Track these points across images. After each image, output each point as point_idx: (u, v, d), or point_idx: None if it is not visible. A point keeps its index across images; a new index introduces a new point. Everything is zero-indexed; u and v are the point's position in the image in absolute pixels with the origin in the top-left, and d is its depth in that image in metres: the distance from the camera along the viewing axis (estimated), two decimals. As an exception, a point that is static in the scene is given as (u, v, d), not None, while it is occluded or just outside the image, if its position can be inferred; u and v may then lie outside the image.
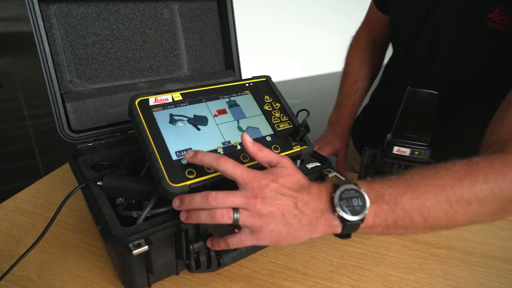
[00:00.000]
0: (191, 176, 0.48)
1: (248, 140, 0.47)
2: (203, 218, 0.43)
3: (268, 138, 0.57)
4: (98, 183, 0.56)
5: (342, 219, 0.43)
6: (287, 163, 0.47)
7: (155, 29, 0.75)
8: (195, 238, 0.50)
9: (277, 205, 0.43)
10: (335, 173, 0.61)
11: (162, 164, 0.48)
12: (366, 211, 0.43)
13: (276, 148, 0.56)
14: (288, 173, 0.45)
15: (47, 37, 0.64)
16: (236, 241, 0.45)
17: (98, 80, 0.71)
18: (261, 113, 0.59)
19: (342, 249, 0.59)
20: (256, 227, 0.43)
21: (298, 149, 0.57)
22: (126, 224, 0.51)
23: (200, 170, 0.49)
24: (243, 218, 0.43)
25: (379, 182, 0.45)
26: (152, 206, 0.51)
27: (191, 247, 0.49)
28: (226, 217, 0.42)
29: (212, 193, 0.43)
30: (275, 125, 0.59)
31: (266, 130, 0.58)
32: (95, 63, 0.70)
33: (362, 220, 0.43)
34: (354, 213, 0.43)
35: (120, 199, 0.58)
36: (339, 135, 0.88)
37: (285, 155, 0.55)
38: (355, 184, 0.45)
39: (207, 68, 0.85)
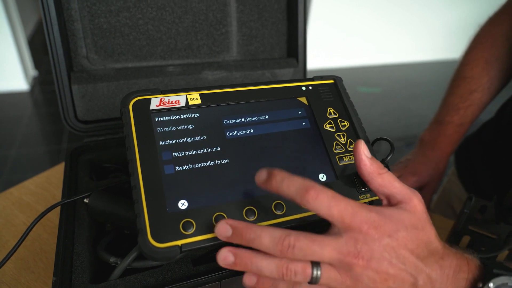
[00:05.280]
0: (188, 232, 0.31)
1: (365, 154, 0.31)
2: (266, 270, 0.28)
3: (322, 177, 0.37)
4: (85, 200, 0.42)
5: None
6: (418, 206, 0.30)
7: (200, -3, 0.58)
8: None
9: (386, 275, 0.27)
10: None
11: (147, 207, 0.31)
12: None
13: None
14: (416, 224, 0.29)
15: (59, -2, 0.50)
16: None
17: (120, 58, 0.56)
18: (318, 134, 0.39)
19: None
20: None
21: (367, 200, 0.36)
22: (103, 271, 0.36)
23: (205, 222, 0.32)
24: (327, 278, 0.28)
25: None
26: (135, 257, 0.36)
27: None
28: (300, 277, 0.28)
29: (291, 237, 0.27)
30: (337, 156, 0.38)
31: (320, 163, 0.38)
32: (119, 37, 0.55)
33: None
34: None
35: (109, 225, 0.43)
36: (432, 163, 0.63)
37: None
38: None
39: (263, 53, 0.65)
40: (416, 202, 0.30)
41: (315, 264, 0.28)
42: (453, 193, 0.71)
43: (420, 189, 0.65)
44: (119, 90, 0.54)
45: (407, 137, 2.41)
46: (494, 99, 0.67)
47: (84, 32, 0.53)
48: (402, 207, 0.30)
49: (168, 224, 0.31)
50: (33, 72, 2.82)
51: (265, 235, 0.27)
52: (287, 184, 0.28)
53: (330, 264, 0.28)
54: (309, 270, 0.27)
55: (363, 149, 0.31)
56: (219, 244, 0.32)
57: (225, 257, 0.28)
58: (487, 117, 0.70)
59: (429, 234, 0.29)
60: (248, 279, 0.29)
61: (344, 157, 0.38)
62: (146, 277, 0.34)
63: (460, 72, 0.65)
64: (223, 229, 0.29)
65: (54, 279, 0.33)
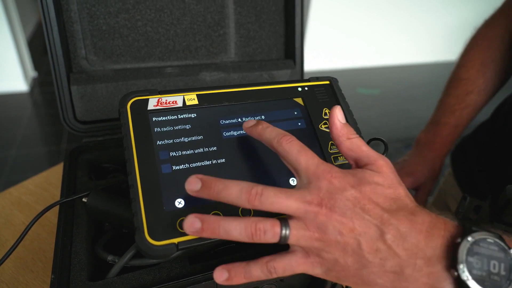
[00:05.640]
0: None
1: (339, 119, 0.32)
2: (234, 231, 0.27)
3: (318, 177, 0.37)
4: (83, 199, 0.43)
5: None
6: (384, 167, 0.30)
7: (198, -1, 0.58)
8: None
9: (351, 225, 0.27)
10: None
11: (144, 205, 0.32)
12: None
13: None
14: (381, 181, 0.29)
15: None
16: (283, 266, 0.29)
17: (119, 59, 0.57)
18: (313, 134, 0.40)
19: None
20: (313, 249, 0.28)
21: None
22: (101, 269, 0.37)
23: (201, 220, 0.32)
24: (296, 235, 0.28)
25: None
26: (132, 255, 0.36)
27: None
28: (269, 235, 0.27)
29: (258, 187, 0.28)
30: (332, 156, 0.39)
31: (316, 163, 0.38)
32: (118, 38, 0.56)
33: None
34: (488, 285, 0.26)
35: (107, 224, 0.44)
36: (428, 164, 0.64)
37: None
38: (500, 237, 0.27)
39: (261, 54, 0.66)
40: (381, 162, 0.30)
41: (284, 222, 0.28)
42: (449, 193, 0.71)
43: (416, 189, 0.65)
44: (117, 91, 0.54)
45: (406, 139, 2.41)
46: (490, 101, 0.68)
47: (83, 34, 0.54)
48: (367, 167, 0.30)
49: (165, 223, 0.31)
50: (32, 73, 2.83)
51: (233, 185, 0.28)
52: (270, 130, 0.32)
53: (297, 219, 0.28)
54: (277, 228, 0.27)
55: (337, 114, 0.32)
56: (216, 242, 0.32)
57: (192, 223, 0.27)
58: (482, 119, 0.70)
59: (398, 192, 0.29)
60: (218, 274, 0.28)
61: (339, 157, 0.39)
62: (143, 275, 0.35)
63: (456, 73, 0.66)
64: (193, 182, 0.29)
65: (52, 276, 0.34)
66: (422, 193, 0.64)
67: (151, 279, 0.35)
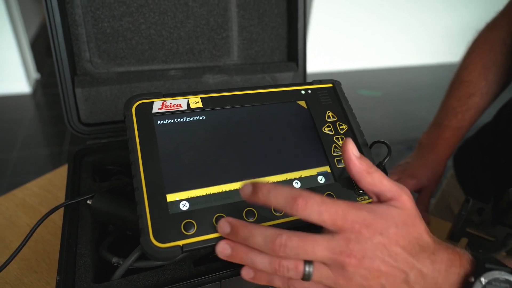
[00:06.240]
0: (189, 232, 0.32)
1: (354, 153, 0.31)
2: (260, 264, 0.29)
3: (321, 179, 0.38)
4: (88, 201, 0.43)
5: None
6: (407, 202, 0.30)
7: (201, 2, 0.59)
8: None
9: (378, 272, 0.28)
10: None
11: (149, 207, 0.32)
12: None
13: (330, 197, 0.36)
14: (406, 220, 0.29)
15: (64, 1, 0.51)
16: None
17: (123, 62, 0.57)
18: (316, 137, 0.40)
19: None
20: (335, 286, 0.29)
21: (365, 202, 0.37)
22: (106, 271, 0.37)
23: (206, 223, 0.32)
24: (319, 276, 0.29)
25: None
26: (137, 257, 0.36)
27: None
28: (293, 272, 0.28)
29: (282, 236, 0.28)
30: (335, 159, 0.39)
31: (319, 165, 0.38)
32: (122, 41, 0.56)
33: None
34: None
35: (111, 226, 0.44)
36: (430, 166, 0.64)
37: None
38: None
39: (263, 57, 0.66)
40: (405, 198, 0.30)
41: (308, 261, 0.28)
42: (452, 196, 0.71)
43: (418, 192, 0.65)
44: (121, 94, 0.55)
45: (408, 140, 2.41)
46: (493, 103, 0.68)
47: (88, 37, 0.54)
48: (392, 204, 0.30)
49: (170, 225, 0.31)
50: (35, 75, 2.84)
51: (258, 234, 0.28)
52: (274, 195, 0.28)
53: (323, 262, 0.28)
54: (301, 267, 0.28)
55: (351, 149, 0.31)
56: (220, 245, 0.33)
57: (223, 249, 0.30)
58: (485, 120, 0.70)
59: (420, 230, 0.30)
60: (245, 272, 0.31)
61: (342, 160, 0.39)
62: (148, 277, 0.35)
63: (458, 76, 0.66)
64: (223, 226, 0.30)
65: (57, 278, 0.34)
66: (425, 195, 0.64)
67: (155, 281, 0.35)
